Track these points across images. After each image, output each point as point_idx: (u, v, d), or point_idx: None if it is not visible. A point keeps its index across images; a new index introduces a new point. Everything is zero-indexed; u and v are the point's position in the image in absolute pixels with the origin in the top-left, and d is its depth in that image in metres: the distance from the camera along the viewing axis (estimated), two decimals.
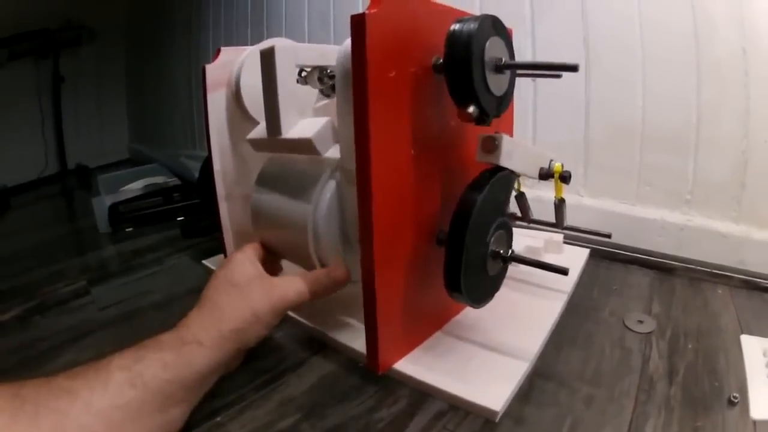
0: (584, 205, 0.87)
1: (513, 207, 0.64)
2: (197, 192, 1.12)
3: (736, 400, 0.44)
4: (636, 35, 0.78)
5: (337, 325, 0.60)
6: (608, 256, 0.81)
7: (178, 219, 1.18)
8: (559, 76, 0.59)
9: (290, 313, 0.63)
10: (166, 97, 2.23)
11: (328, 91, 0.63)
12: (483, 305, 0.52)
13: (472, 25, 0.43)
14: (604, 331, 0.59)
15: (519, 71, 0.54)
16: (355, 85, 0.43)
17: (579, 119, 0.86)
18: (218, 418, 0.46)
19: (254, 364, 0.55)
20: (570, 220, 0.63)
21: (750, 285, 0.69)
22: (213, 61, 0.73)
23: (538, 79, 0.88)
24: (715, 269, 0.73)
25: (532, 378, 0.50)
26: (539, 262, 0.49)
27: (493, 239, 0.49)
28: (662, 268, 0.76)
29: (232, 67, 0.72)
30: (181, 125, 2.10)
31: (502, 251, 0.50)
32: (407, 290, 0.51)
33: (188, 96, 1.97)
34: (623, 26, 0.79)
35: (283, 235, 0.60)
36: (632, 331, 0.58)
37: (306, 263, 0.59)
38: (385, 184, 0.45)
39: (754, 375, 0.48)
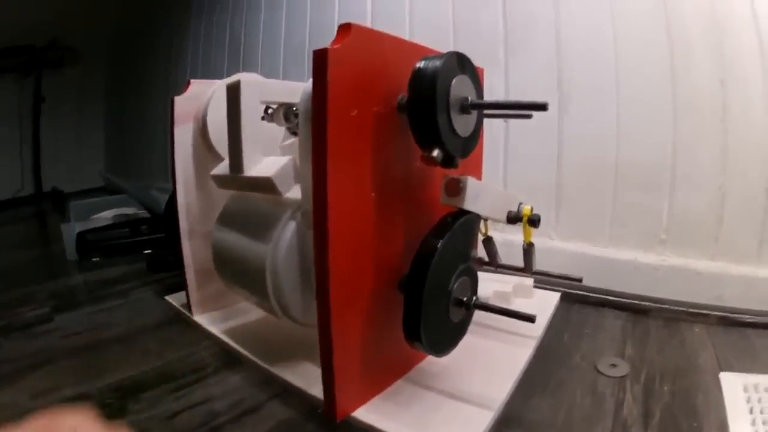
0: (555, 248, 0.86)
1: (480, 251, 0.62)
2: (164, 226, 1.11)
3: None
4: (611, 72, 0.78)
5: (297, 369, 0.58)
6: (580, 300, 0.80)
7: (145, 252, 1.16)
8: (529, 116, 0.58)
9: (249, 356, 0.61)
10: (142, 126, 2.22)
11: (294, 129, 0.62)
12: (445, 354, 0.50)
13: (437, 63, 0.41)
14: (575, 376, 0.57)
15: (488, 111, 0.53)
16: (314, 122, 0.41)
17: (551, 159, 0.86)
18: None
19: (209, 406, 0.52)
20: (540, 263, 0.62)
21: (728, 321, 0.68)
22: (183, 92, 0.71)
23: (510, 119, 0.88)
24: (691, 308, 0.72)
25: (499, 428, 0.48)
26: (505, 309, 0.48)
27: (456, 286, 0.47)
28: (636, 310, 0.75)
29: (201, 100, 0.70)
30: (154, 156, 2.08)
31: (465, 298, 0.49)
32: (366, 335, 0.49)
33: (163, 127, 1.95)
34: (598, 63, 0.79)
35: (243, 275, 0.58)
36: (605, 375, 0.57)
37: (265, 305, 0.57)
38: (342, 227, 0.43)
39: (735, 413, 0.47)
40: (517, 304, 0.74)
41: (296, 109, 0.61)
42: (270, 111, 0.62)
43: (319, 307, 0.45)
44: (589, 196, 0.83)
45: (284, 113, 0.61)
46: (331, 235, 0.42)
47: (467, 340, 0.53)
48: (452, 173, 0.48)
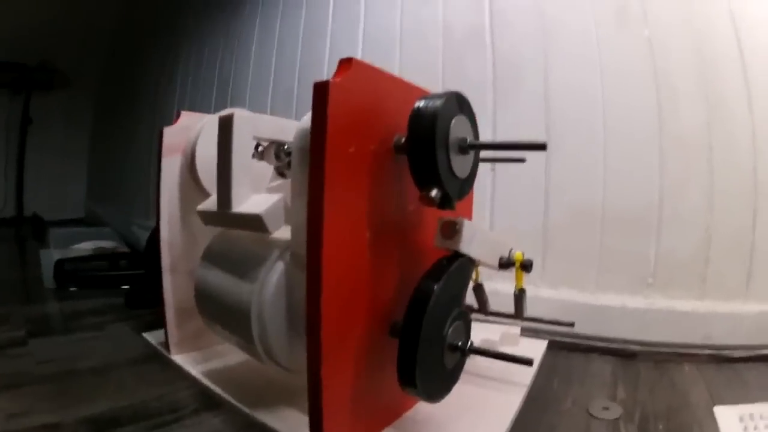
0: (541, 296, 0.84)
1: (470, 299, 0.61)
2: (144, 262, 1.09)
3: None
4: (598, 116, 0.80)
5: (280, 414, 0.55)
6: (567, 347, 0.79)
7: (123, 288, 1.13)
8: (522, 161, 0.58)
9: (229, 398, 0.58)
10: (127, 158, 2.19)
11: (284, 169, 0.61)
12: (439, 401, 0.49)
13: (438, 103, 0.42)
14: (567, 421, 0.56)
15: (483, 155, 0.53)
16: (312, 156, 0.40)
17: (538, 206, 0.86)
18: None
19: None
20: (528, 311, 0.61)
21: (718, 358, 0.69)
22: (173, 124, 0.71)
23: (497, 165, 0.88)
24: (680, 348, 0.72)
25: None
26: (500, 353, 0.47)
27: (450, 330, 0.46)
28: (625, 354, 0.75)
29: (190, 133, 0.70)
30: (138, 191, 2.03)
31: (459, 343, 0.47)
32: (356, 381, 0.47)
33: (148, 160, 1.92)
34: (585, 108, 0.81)
35: (226, 315, 0.56)
36: (598, 418, 0.56)
37: (250, 350, 0.54)
38: (337, 267, 0.42)
39: None
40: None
41: (288, 148, 0.60)
42: (260, 149, 0.62)
43: (310, 350, 0.43)
44: (576, 242, 0.83)
45: (275, 151, 0.60)
46: (324, 274, 0.41)
47: (455, 388, 0.51)
48: (446, 215, 0.47)
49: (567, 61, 0.83)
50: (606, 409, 0.57)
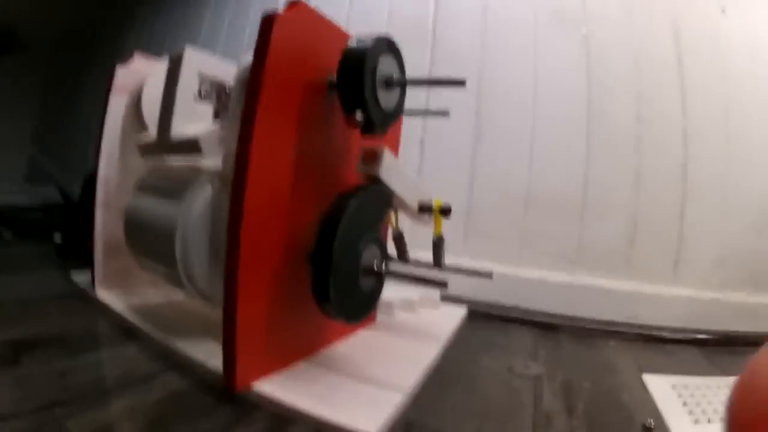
0: (463, 266, 0.87)
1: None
2: (78, 210, 1.07)
3: (651, 426, 0.42)
4: (529, 107, 0.85)
5: (196, 344, 0.55)
6: (487, 317, 0.80)
7: (55, 239, 1.10)
8: (446, 114, 0.61)
9: (146, 329, 0.58)
10: (77, 118, 2.14)
11: (222, 109, 0.63)
12: (356, 321, 0.50)
13: (368, 42, 0.46)
14: (488, 375, 0.56)
15: (409, 109, 0.56)
16: (250, 80, 0.43)
17: (463, 184, 0.89)
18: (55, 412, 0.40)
19: (100, 370, 0.50)
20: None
21: (646, 338, 0.70)
22: (127, 64, 0.71)
23: (426, 141, 0.92)
24: (605, 325, 0.74)
25: (410, 414, 0.46)
26: (415, 276, 0.48)
27: (365, 251, 0.48)
28: (546, 326, 0.76)
29: (142, 76, 0.70)
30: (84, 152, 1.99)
31: (375, 265, 0.49)
32: (272, 305, 0.48)
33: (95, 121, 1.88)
34: (517, 98, 0.86)
35: (152, 238, 0.56)
36: (519, 375, 0.56)
37: (172, 276, 0.55)
38: (261, 187, 0.44)
39: (669, 407, 0.47)
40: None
41: (229, 90, 0.62)
42: (203, 93, 0.63)
43: (227, 270, 0.44)
44: (499, 222, 0.86)
45: (217, 92, 0.62)
46: (248, 192, 0.43)
47: (373, 336, 0.53)
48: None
49: (503, 54, 0.89)
50: (527, 367, 0.58)
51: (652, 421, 0.43)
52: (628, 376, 0.56)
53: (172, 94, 0.56)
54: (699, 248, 0.76)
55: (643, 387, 0.53)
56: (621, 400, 0.50)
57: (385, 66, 0.47)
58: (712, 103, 0.78)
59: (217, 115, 0.63)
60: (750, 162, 0.77)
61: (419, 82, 0.53)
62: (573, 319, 0.77)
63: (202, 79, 0.60)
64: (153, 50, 0.78)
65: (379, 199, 0.51)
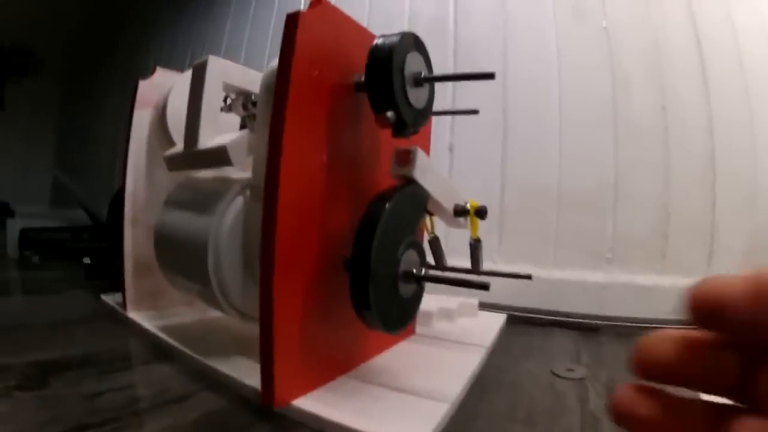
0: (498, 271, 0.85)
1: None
2: (106, 231, 1.09)
3: None
4: (554, 102, 0.83)
5: (232, 362, 0.53)
6: (526, 321, 0.79)
7: (84, 261, 1.11)
8: (476, 112, 0.59)
9: (180, 347, 0.57)
10: (97, 139, 2.18)
11: (249, 120, 0.61)
12: (396, 331, 0.48)
13: (394, 39, 0.44)
14: (531, 380, 0.55)
15: (437, 110, 0.54)
16: (278, 81, 0.42)
17: (494, 185, 0.88)
18: None
19: (133, 391, 0.48)
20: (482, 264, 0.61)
21: None
22: (149, 78, 0.71)
23: (455, 146, 0.91)
24: (644, 323, 0.72)
25: (455, 422, 0.45)
26: (456, 279, 0.46)
27: (403, 256, 0.46)
28: (586, 328, 0.75)
29: (164, 88, 0.70)
30: (108, 172, 2.02)
31: (414, 270, 0.47)
32: (309, 319, 0.46)
33: (117, 140, 1.91)
34: (541, 94, 0.84)
35: (183, 254, 0.55)
36: (563, 377, 0.55)
37: (205, 293, 0.53)
38: (293, 194, 0.42)
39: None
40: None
41: (254, 98, 0.60)
42: (229, 101, 0.62)
43: (262, 283, 0.42)
44: (532, 221, 0.84)
45: (243, 102, 0.61)
46: (281, 200, 0.41)
47: (413, 347, 0.51)
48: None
49: (525, 50, 0.88)
50: (571, 370, 0.57)
51: None
52: None
53: (197, 104, 0.55)
54: (730, 238, 0.74)
55: None
56: None
57: (413, 63, 0.46)
58: (732, 90, 0.75)
59: (243, 125, 0.62)
60: None
61: (448, 78, 0.51)
62: (612, 319, 0.75)
63: (227, 88, 0.59)
64: (173, 66, 0.78)
65: (416, 201, 0.49)
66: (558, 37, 0.84)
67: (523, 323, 0.79)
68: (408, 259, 0.47)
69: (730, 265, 0.73)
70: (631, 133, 0.77)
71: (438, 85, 0.51)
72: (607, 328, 0.74)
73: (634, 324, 0.73)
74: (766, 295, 0.14)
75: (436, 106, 0.52)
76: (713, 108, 0.74)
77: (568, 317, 0.77)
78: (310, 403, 0.45)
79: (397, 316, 0.48)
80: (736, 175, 0.74)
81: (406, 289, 0.47)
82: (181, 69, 0.72)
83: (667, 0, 0.79)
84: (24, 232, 1.14)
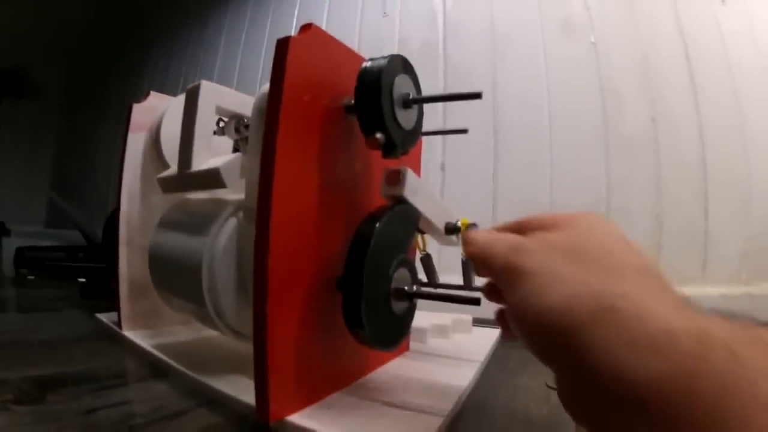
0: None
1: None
2: (101, 251, 1.10)
3: None
4: (545, 120, 0.85)
5: (226, 379, 0.54)
6: None
7: (79, 280, 1.12)
8: (465, 131, 0.60)
9: (176, 365, 0.57)
10: (93, 164, 2.19)
11: (242, 143, 0.63)
12: (390, 348, 0.48)
13: (383, 61, 0.45)
14: (526, 393, 0.56)
15: (426, 130, 0.55)
16: (269, 105, 0.43)
17: (486, 204, 0.88)
18: None
19: (129, 407, 0.49)
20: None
21: None
22: (142, 101, 0.73)
23: (446, 165, 0.91)
24: None
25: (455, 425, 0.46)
26: (447, 294, 0.47)
27: (396, 275, 0.47)
28: None
29: (158, 112, 0.71)
30: (103, 194, 2.03)
31: (406, 287, 0.48)
32: (303, 335, 0.47)
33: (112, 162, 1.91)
34: (532, 113, 0.86)
35: (178, 274, 0.56)
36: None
37: (200, 312, 0.54)
38: (286, 215, 0.43)
39: None
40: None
41: (247, 121, 0.61)
42: (221, 125, 0.63)
43: (255, 302, 0.43)
44: None
45: (235, 125, 0.62)
46: (273, 221, 0.42)
47: (407, 363, 0.51)
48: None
49: (514, 70, 0.89)
50: None
51: None
52: None
53: (190, 127, 0.56)
54: (724, 245, 0.76)
55: None
56: None
57: (402, 85, 0.47)
58: (722, 97, 0.78)
59: (236, 148, 0.63)
60: (765, 151, 0.76)
61: (436, 99, 0.52)
62: None
63: (219, 111, 0.60)
64: (167, 90, 0.79)
65: (407, 220, 0.50)
66: (547, 54, 0.86)
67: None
68: (400, 277, 0.47)
69: (726, 272, 0.74)
70: (622, 147, 0.78)
71: (429, 106, 0.52)
72: None
73: None
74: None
75: (427, 126, 0.53)
76: (703, 116, 0.76)
77: None
78: (305, 419, 0.45)
79: (391, 333, 0.48)
80: (728, 182, 0.76)
81: (399, 306, 0.48)
82: (174, 93, 0.73)
83: (654, 11, 0.81)
84: (20, 251, 1.15)
